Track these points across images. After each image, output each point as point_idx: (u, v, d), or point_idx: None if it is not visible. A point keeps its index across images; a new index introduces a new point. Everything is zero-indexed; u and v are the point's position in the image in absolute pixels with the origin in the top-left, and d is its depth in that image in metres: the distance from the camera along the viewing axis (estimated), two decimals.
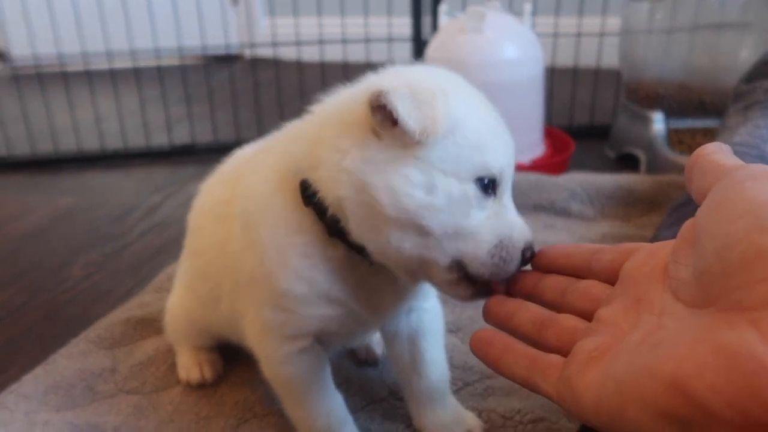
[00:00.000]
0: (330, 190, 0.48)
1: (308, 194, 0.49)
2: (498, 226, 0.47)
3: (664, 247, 0.40)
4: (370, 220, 0.47)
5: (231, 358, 0.79)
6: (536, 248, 0.49)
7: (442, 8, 1.41)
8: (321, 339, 0.59)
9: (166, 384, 0.76)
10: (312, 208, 0.50)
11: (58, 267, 1.14)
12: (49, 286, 1.08)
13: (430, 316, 0.66)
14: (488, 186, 0.47)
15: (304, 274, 0.51)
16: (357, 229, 0.48)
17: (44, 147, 1.66)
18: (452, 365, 0.76)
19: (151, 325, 0.87)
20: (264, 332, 0.57)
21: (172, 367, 0.78)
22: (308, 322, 0.54)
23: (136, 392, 0.75)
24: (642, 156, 1.40)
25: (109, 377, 0.78)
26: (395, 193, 0.45)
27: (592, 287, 0.44)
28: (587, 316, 0.42)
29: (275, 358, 0.58)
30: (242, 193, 0.55)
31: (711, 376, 0.29)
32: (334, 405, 0.62)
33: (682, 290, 0.35)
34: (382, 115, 0.44)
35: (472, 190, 0.46)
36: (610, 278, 0.43)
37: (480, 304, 0.84)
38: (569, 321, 0.42)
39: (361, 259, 0.51)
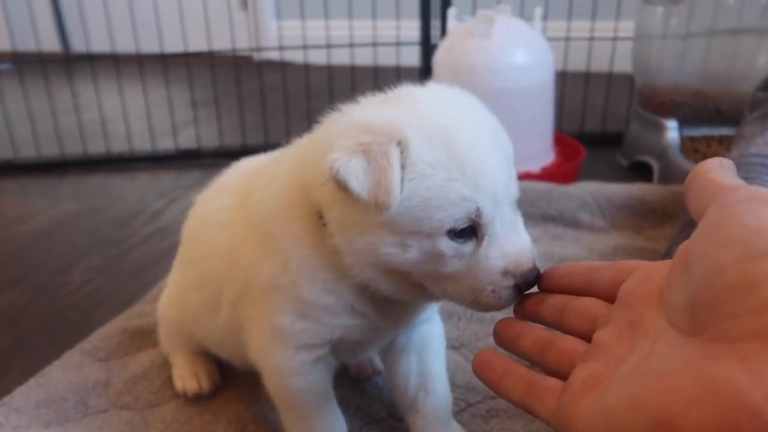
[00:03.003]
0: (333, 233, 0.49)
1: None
2: (488, 266, 0.46)
3: (661, 268, 0.39)
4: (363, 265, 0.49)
5: (228, 368, 0.77)
6: (542, 260, 0.50)
7: (451, 12, 1.38)
8: (333, 350, 0.58)
9: (159, 399, 0.74)
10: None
11: (59, 271, 1.13)
12: (49, 291, 1.07)
13: (437, 329, 0.66)
14: (465, 232, 0.46)
15: (331, 286, 0.51)
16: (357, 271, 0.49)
17: (50, 150, 1.65)
18: (455, 385, 0.74)
19: (148, 336, 0.85)
20: (276, 342, 0.55)
21: (167, 381, 0.76)
22: (331, 330, 0.54)
23: (129, 408, 0.73)
24: (655, 165, 1.37)
25: (102, 391, 0.76)
26: (376, 252, 0.47)
27: (590, 305, 0.43)
28: (586, 335, 0.42)
29: (285, 369, 0.57)
30: (260, 202, 0.54)
31: (696, 413, 0.29)
32: (337, 421, 0.61)
33: (675, 316, 0.35)
34: (338, 183, 0.44)
35: (445, 243, 0.46)
36: (610, 296, 0.43)
37: (484, 320, 0.81)
38: (568, 343, 0.43)
39: None
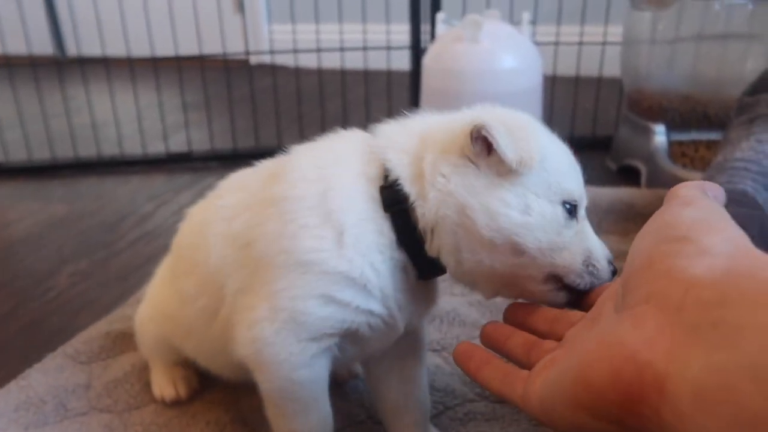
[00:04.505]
0: (433, 208, 0.51)
1: (394, 200, 0.52)
2: (584, 243, 0.51)
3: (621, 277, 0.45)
4: (465, 241, 0.51)
5: (206, 372, 0.76)
6: None
7: (440, 16, 1.39)
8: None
9: (139, 402, 0.74)
10: (391, 215, 0.52)
11: (45, 275, 1.13)
12: (35, 295, 1.07)
13: (421, 334, 0.66)
14: (571, 210, 0.51)
15: (377, 266, 0.52)
16: (449, 247, 0.52)
17: (41, 153, 1.66)
18: (434, 388, 0.74)
19: (130, 339, 0.85)
20: (287, 331, 0.52)
21: (147, 384, 0.76)
22: (351, 317, 0.53)
23: (109, 410, 0.73)
24: (643, 169, 1.37)
25: (82, 394, 0.76)
26: (492, 213, 0.49)
27: (577, 316, 0.49)
28: None
29: (292, 362, 0.54)
30: (325, 181, 0.53)
31: (599, 367, 0.35)
32: (329, 417, 0.59)
33: (618, 302, 0.40)
34: (481, 146, 0.49)
35: (561, 211, 0.50)
36: None
37: (466, 323, 0.83)
38: (550, 344, 0.48)
39: (412, 269, 0.55)
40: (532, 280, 0.51)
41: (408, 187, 0.52)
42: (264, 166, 0.60)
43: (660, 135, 1.35)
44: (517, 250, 0.50)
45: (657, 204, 1.23)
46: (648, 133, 1.37)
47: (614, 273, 0.52)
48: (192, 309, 0.62)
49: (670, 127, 1.36)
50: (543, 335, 0.50)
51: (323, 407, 0.58)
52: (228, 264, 0.56)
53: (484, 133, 0.48)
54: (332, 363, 0.57)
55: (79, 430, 0.70)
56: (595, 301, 0.50)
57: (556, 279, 0.52)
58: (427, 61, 1.34)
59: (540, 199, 0.50)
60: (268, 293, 0.53)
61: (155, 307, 0.72)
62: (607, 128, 1.61)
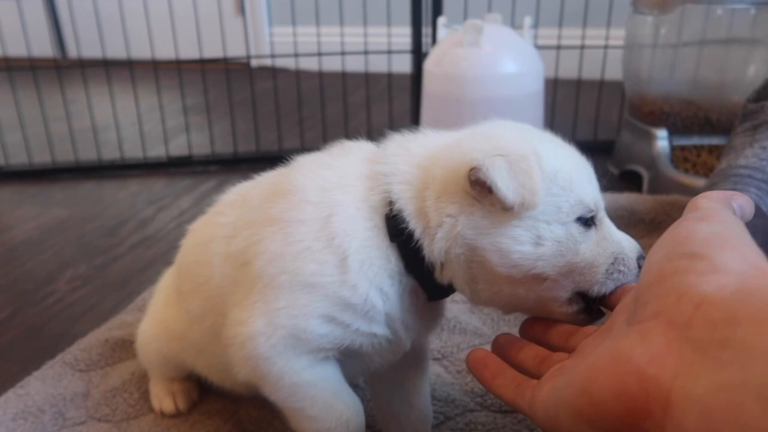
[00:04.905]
0: (442, 247, 0.50)
1: (398, 231, 0.51)
2: (608, 247, 0.50)
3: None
4: (482, 275, 0.50)
5: (206, 383, 0.76)
6: None
7: (441, 21, 1.38)
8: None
9: (137, 412, 0.74)
10: (397, 243, 0.52)
11: (45, 280, 1.13)
12: (34, 301, 1.06)
13: (424, 344, 0.65)
14: (588, 221, 0.50)
15: (386, 290, 0.52)
16: (463, 279, 0.51)
17: (41, 157, 1.65)
18: (434, 397, 0.74)
19: (129, 347, 0.85)
20: (281, 346, 0.52)
21: (146, 394, 0.76)
22: (352, 337, 0.52)
23: (107, 420, 0.73)
24: (645, 174, 1.36)
25: (80, 403, 0.76)
26: (504, 252, 0.48)
27: (591, 329, 0.49)
28: None
29: (293, 368, 0.53)
30: (328, 206, 0.52)
31: (603, 380, 0.35)
32: (354, 407, 0.57)
33: (629, 314, 0.40)
34: (481, 186, 0.47)
35: (575, 229, 0.49)
36: None
37: (467, 331, 0.82)
38: (561, 356, 0.48)
39: (422, 292, 0.54)
40: (557, 302, 0.51)
41: (413, 222, 0.51)
42: (265, 179, 0.60)
43: (662, 140, 1.35)
44: (537, 278, 0.49)
45: (658, 210, 1.22)
46: (650, 137, 1.36)
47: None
48: (200, 328, 0.62)
49: (672, 132, 1.36)
50: (556, 349, 0.50)
51: (347, 399, 0.56)
52: (231, 283, 0.56)
53: (481, 176, 0.46)
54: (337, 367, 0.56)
55: None
56: (617, 301, 0.50)
57: (578, 298, 0.51)
58: (427, 65, 1.34)
59: (551, 225, 0.48)
60: (266, 311, 0.52)
61: (160, 324, 0.71)
62: (609, 132, 1.61)
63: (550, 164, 0.49)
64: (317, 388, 0.54)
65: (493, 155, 0.47)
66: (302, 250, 0.51)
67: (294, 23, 1.60)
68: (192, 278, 0.62)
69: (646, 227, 1.12)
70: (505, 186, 0.46)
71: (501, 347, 0.53)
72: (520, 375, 0.48)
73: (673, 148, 1.35)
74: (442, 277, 0.52)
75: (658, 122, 1.37)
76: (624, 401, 0.34)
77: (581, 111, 1.62)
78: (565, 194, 0.49)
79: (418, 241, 0.51)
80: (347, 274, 0.50)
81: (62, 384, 0.79)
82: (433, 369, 0.79)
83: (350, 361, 0.56)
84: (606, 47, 1.53)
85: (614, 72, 1.56)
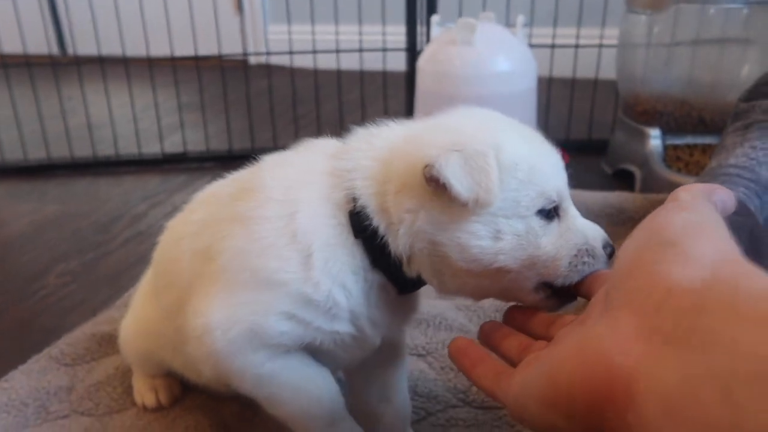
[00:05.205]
0: (405, 242, 0.50)
1: (362, 227, 0.51)
2: (571, 239, 0.50)
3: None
4: (446, 269, 0.50)
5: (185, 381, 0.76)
6: None
7: (434, 19, 1.38)
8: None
9: (120, 406, 0.74)
10: (362, 239, 0.51)
11: (36, 275, 1.13)
12: (24, 295, 1.07)
13: (402, 340, 0.66)
14: (550, 212, 0.50)
15: (349, 287, 0.52)
16: (429, 272, 0.51)
17: (36, 154, 1.66)
18: (416, 393, 0.74)
19: (116, 341, 0.84)
20: (239, 340, 0.51)
21: (130, 388, 0.76)
22: (312, 334, 0.52)
23: (90, 414, 0.73)
24: (637, 173, 1.36)
25: (64, 397, 0.76)
26: (464, 248, 0.48)
27: (570, 318, 0.49)
28: None
29: (252, 362, 0.52)
30: (292, 204, 0.52)
31: (570, 366, 0.35)
32: (329, 390, 0.56)
33: (604, 303, 0.40)
34: (436, 183, 0.47)
35: (536, 222, 0.49)
36: None
37: (453, 327, 0.82)
38: (541, 345, 0.48)
39: (392, 287, 0.54)
40: (523, 291, 0.51)
41: (376, 219, 0.50)
42: (235, 177, 0.60)
43: (655, 139, 1.35)
44: (500, 271, 0.49)
45: (648, 208, 1.22)
46: (643, 137, 1.36)
47: (612, 254, 0.51)
48: (172, 325, 0.61)
49: (665, 132, 1.35)
50: (538, 338, 0.50)
51: (316, 379, 0.55)
52: (197, 278, 0.56)
53: (434, 173, 0.46)
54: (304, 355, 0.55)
55: None
56: (588, 289, 0.50)
57: (547, 284, 0.51)
58: (421, 63, 1.34)
59: (510, 219, 0.48)
60: (226, 304, 0.52)
61: (139, 321, 0.71)
62: (603, 132, 1.61)
63: (510, 157, 0.48)
64: (282, 376, 0.54)
65: (448, 151, 0.47)
66: (266, 246, 0.51)
67: (290, 21, 1.60)
68: (165, 275, 0.63)
69: (634, 225, 1.11)
70: (459, 183, 0.46)
71: (486, 335, 0.53)
72: (501, 364, 0.48)
73: (666, 147, 1.35)
74: (410, 270, 0.52)
75: (651, 121, 1.37)
76: (589, 388, 0.34)
77: (576, 110, 1.62)
78: (525, 188, 0.48)
79: (383, 237, 0.51)
80: (311, 271, 0.50)
81: (47, 378, 0.79)
82: (417, 365, 0.79)
83: (316, 356, 0.56)
84: (600, 46, 1.52)
85: (608, 71, 1.56)
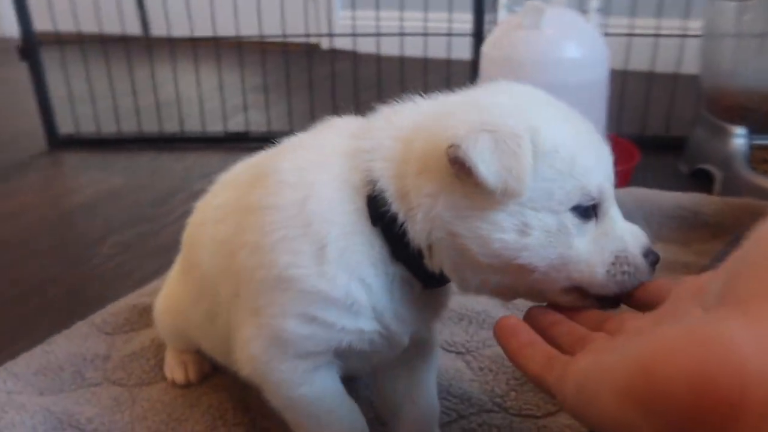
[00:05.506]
0: (424, 230, 0.46)
1: (380, 213, 0.47)
2: (609, 244, 0.45)
3: (707, 275, 0.39)
4: (465, 263, 0.45)
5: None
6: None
7: (502, 2, 1.32)
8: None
9: (150, 378, 0.74)
10: (381, 227, 0.47)
11: (90, 244, 1.17)
12: (78, 262, 1.10)
13: (432, 340, 0.62)
14: (587, 211, 0.45)
15: (369, 281, 0.48)
16: (449, 266, 0.47)
17: (108, 128, 1.71)
18: (450, 393, 0.70)
19: None
20: (274, 350, 0.50)
21: (161, 361, 0.77)
22: (338, 336, 0.49)
23: (121, 384, 0.74)
24: (717, 174, 1.25)
25: (100, 365, 0.77)
26: (485, 240, 0.43)
27: (627, 318, 0.43)
28: None
29: (288, 381, 0.51)
30: (306, 188, 0.48)
31: (680, 360, 0.28)
32: (357, 424, 0.55)
33: (709, 300, 0.35)
34: (461, 165, 0.42)
35: (570, 219, 0.44)
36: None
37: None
38: (602, 336, 0.42)
39: (416, 281, 0.49)
40: (552, 292, 0.46)
41: (395, 204, 0.46)
42: (259, 157, 0.57)
43: (739, 138, 1.23)
44: (525, 269, 0.44)
45: (726, 213, 1.11)
46: (726, 135, 1.25)
47: (655, 263, 0.46)
48: (197, 310, 0.61)
49: (752, 130, 1.24)
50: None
51: (346, 417, 0.54)
52: (220, 272, 0.54)
53: (460, 155, 0.41)
54: (336, 373, 0.53)
55: (89, 401, 0.71)
56: (644, 298, 0.45)
57: (580, 290, 0.46)
58: (485, 48, 1.28)
59: (540, 213, 0.43)
60: (252, 309, 0.50)
61: (169, 298, 0.71)
62: (682, 128, 1.49)
63: (548, 142, 0.43)
64: (313, 406, 0.52)
65: (476, 131, 0.42)
66: (278, 240, 0.47)
67: (353, 7, 1.58)
68: (189, 258, 0.62)
69: (709, 231, 1.03)
70: (486, 168, 0.41)
71: (533, 318, 0.47)
72: (554, 349, 0.42)
73: (751, 148, 1.23)
74: (432, 263, 0.47)
75: (736, 119, 1.25)
76: (701, 388, 0.27)
77: (653, 105, 1.51)
78: (561, 179, 0.43)
79: (402, 225, 0.46)
80: (325, 265, 0.46)
81: (86, 345, 0.80)
82: (454, 363, 0.75)
83: (347, 360, 0.53)
84: (683, 36, 1.41)
85: (690, 66, 1.44)
